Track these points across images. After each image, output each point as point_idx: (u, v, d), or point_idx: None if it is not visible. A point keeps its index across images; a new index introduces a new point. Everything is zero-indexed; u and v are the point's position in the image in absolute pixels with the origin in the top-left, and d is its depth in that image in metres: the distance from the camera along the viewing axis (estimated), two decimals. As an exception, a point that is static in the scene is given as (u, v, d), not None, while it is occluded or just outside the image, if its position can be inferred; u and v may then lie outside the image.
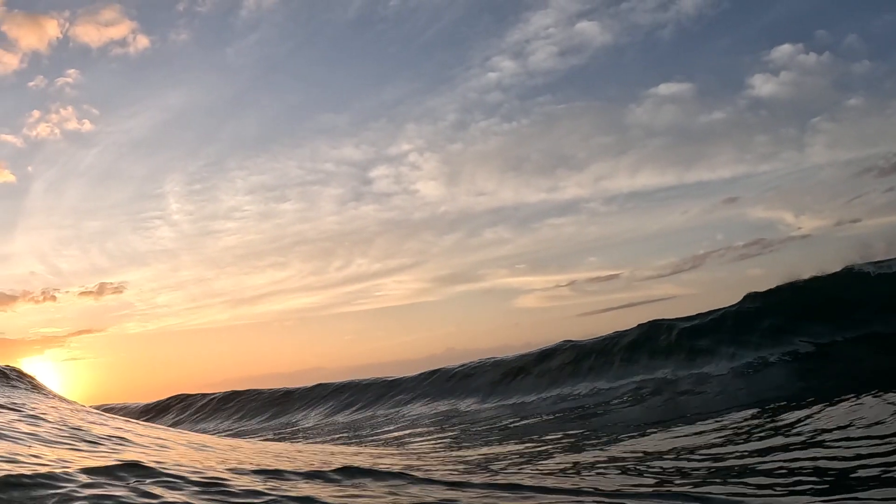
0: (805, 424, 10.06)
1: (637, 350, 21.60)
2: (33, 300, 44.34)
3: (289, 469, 6.71)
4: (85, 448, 7.44)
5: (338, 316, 51.37)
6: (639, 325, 22.95)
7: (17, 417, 9.27)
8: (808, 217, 39.84)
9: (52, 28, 40.83)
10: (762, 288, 21.98)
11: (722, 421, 11.88)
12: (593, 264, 45.97)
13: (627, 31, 40.53)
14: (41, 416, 9.85)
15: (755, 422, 11.36)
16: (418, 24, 43.01)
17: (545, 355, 24.22)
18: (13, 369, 15.86)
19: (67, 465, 5.58)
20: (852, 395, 11.05)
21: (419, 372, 28.28)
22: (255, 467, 6.74)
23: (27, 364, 40.13)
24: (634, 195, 43.61)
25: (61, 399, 14.50)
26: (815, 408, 11.05)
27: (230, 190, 48.56)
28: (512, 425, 16.51)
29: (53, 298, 44.78)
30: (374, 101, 47.45)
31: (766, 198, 41.43)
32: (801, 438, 9.13)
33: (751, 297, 21.89)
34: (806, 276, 21.90)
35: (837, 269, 21.83)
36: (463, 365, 26.58)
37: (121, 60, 43.07)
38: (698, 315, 21.98)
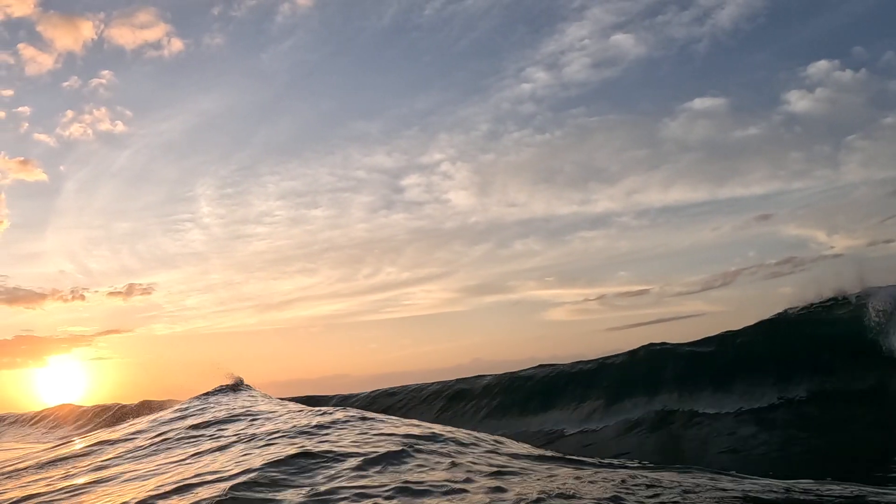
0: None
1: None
2: (62, 299, 45.53)
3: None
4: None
5: (364, 324, 52.31)
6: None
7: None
8: (841, 236, 39.36)
9: (87, 29, 41.32)
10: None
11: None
12: (623, 279, 46.19)
13: (662, 45, 40.85)
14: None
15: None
16: (453, 34, 43.98)
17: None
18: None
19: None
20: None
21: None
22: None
23: (55, 361, 42.18)
24: (666, 210, 43.84)
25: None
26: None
27: (261, 195, 49.95)
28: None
29: (82, 298, 46.05)
30: (407, 109, 48.57)
31: (799, 215, 41.07)
32: None
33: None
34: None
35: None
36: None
37: (155, 63, 43.88)
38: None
